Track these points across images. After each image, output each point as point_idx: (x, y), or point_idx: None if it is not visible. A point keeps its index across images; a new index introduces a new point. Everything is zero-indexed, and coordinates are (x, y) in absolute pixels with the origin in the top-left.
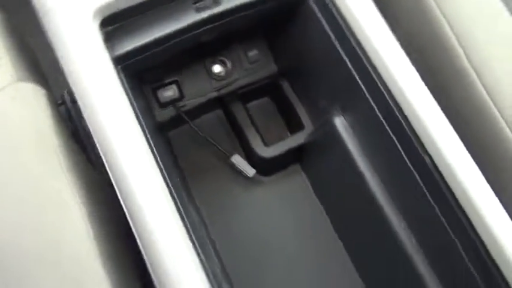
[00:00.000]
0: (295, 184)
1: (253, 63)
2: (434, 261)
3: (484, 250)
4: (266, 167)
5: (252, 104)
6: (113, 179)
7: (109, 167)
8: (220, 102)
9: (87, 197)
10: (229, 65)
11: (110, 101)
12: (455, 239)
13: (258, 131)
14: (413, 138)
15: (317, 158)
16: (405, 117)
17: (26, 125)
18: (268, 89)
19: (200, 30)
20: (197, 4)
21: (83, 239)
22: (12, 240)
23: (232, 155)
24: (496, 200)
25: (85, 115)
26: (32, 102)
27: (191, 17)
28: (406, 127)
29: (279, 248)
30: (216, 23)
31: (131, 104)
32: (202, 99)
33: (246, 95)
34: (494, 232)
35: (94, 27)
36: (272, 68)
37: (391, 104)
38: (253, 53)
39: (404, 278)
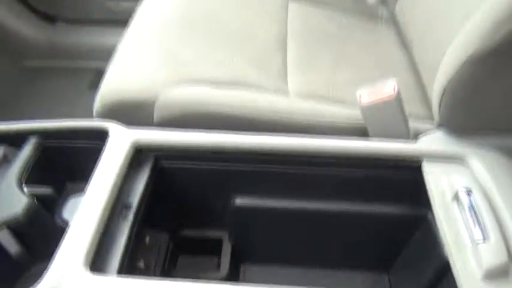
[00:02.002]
0: (254, 272)
1: (152, 244)
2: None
3: None
4: (232, 278)
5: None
6: None
7: None
8: None
9: None
10: (142, 263)
11: None
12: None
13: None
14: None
15: (250, 241)
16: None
17: None
18: (176, 247)
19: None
20: (121, 216)
21: None
22: None
23: None
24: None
25: None
26: None
27: (125, 225)
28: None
29: None
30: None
31: None
32: None
33: (170, 263)
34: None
35: (89, 276)
36: (163, 235)
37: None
38: (147, 239)
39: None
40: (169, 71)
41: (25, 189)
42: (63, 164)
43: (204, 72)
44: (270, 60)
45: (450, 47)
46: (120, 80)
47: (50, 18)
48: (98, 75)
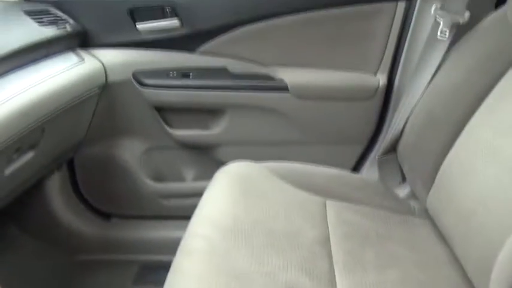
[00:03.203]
0: None
1: None
2: None
3: None
4: None
5: None
6: None
7: None
8: None
9: None
10: None
11: None
12: None
13: None
14: None
15: None
16: None
17: None
18: None
19: None
20: None
21: None
22: None
23: None
24: None
25: None
26: None
27: None
28: None
29: None
30: None
31: None
32: None
33: None
34: None
35: None
36: None
37: None
38: None
39: None
40: (226, 285)
41: None
42: None
43: (259, 284)
44: (317, 264)
45: (502, 252)
46: None
47: (105, 215)
48: (143, 269)
